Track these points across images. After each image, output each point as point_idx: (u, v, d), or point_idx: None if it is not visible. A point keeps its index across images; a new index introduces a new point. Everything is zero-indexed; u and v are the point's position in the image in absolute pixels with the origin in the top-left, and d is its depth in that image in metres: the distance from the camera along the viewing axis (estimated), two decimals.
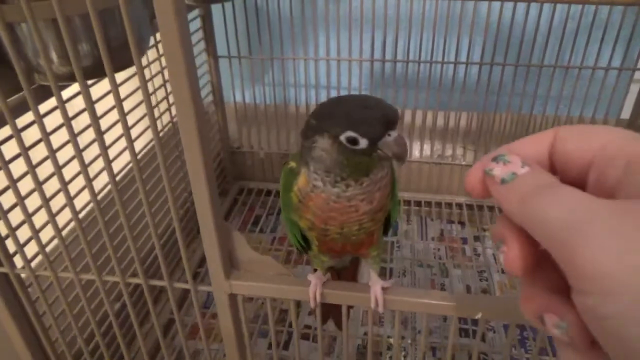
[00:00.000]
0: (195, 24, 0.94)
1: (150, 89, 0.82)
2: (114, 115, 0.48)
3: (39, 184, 0.43)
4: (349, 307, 0.59)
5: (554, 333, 0.19)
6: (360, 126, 0.34)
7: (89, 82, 0.62)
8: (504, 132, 1.04)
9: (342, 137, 0.35)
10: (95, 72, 0.46)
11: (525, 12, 0.88)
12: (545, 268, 0.20)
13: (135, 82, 0.68)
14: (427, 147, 1.08)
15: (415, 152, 1.08)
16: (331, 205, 0.38)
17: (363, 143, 0.35)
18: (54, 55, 0.43)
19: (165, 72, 0.75)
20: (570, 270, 0.16)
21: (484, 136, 1.05)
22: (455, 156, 1.07)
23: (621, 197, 0.18)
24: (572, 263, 0.16)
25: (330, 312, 0.58)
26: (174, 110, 0.85)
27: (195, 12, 0.93)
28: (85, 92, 0.37)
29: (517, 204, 0.18)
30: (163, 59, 0.80)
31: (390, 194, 0.41)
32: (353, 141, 0.35)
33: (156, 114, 0.85)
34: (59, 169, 0.42)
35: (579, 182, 0.20)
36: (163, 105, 0.85)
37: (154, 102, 0.84)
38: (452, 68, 0.96)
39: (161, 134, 0.86)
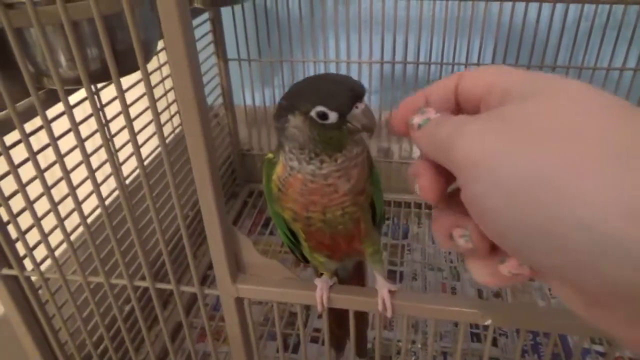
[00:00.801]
0: (205, 27, 0.94)
1: (162, 91, 0.82)
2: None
3: (47, 189, 0.43)
4: (361, 313, 0.58)
5: (461, 244, 0.22)
6: (328, 100, 0.35)
7: (99, 85, 0.63)
8: None
9: (313, 113, 0.36)
10: (104, 75, 0.46)
11: (537, 12, 0.86)
12: (454, 198, 0.23)
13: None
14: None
15: None
16: (309, 187, 0.39)
17: (332, 117, 0.36)
18: (62, 59, 0.43)
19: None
20: (453, 169, 0.20)
21: None
22: None
23: None
24: (453, 161, 0.20)
25: (346, 336, 0.57)
26: None
27: (205, 16, 0.93)
28: (91, 96, 0.37)
29: (426, 139, 0.22)
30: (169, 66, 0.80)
31: (370, 178, 0.41)
32: (323, 116, 0.36)
33: (167, 116, 0.85)
34: (67, 173, 0.42)
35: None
36: (175, 107, 0.86)
37: (165, 104, 0.84)
38: (463, 69, 0.95)
39: (172, 136, 0.87)
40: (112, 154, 0.40)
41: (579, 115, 0.18)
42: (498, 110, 0.20)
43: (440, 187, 0.23)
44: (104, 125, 0.38)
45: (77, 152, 0.44)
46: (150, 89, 0.36)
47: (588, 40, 0.90)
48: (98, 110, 0.38)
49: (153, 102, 0.36)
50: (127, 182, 0.67)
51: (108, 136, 0.62)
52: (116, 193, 0.63)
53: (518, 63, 0.92)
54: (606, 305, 0.18)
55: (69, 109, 0.38)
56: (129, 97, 0.62)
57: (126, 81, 0.53)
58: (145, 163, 0.76)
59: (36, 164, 0.41)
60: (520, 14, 0.89)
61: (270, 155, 0.42)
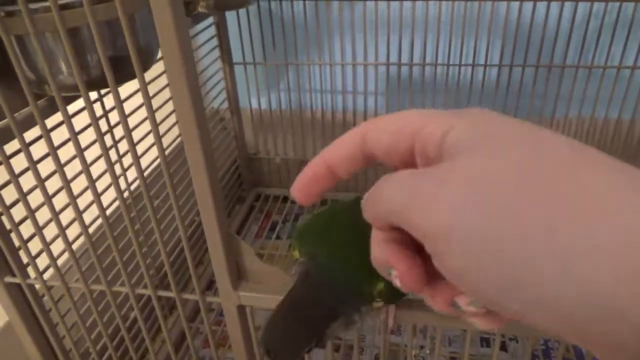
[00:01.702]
0: (210, 32, 0.94)
1: (167, 96, 0.82)
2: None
3: (48, 198, 0.43)
4: None
5: (470, 310, 0.20)
6: None
7: (103, 91, 0.63)
8: None
9: None
10: (106, 81, 0.46)
11: (545, 10, 0.85)
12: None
13: (151, 90, 0.68)
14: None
15: None
16: None
17: None
18: (63, 66, 0.43)
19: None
20: (420, 239, 0.18)
21: None
22: None
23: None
24: (416, 231, 0.18)
25: None
26: None
27: (210, 20, 0.93)
28: (89, 104, 0.37)
29: (370, 208, 0.21)
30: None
31: None
32: None
33: (173, 121, 0.85)
34: (67, 183, 0.42)
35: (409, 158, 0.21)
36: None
37: (171, 108, 0.84)
38: (470, 71, 0.94)
39: (178, 140, 0.86)
40: (112, 163, 0.39)
41: (539, 168, 0.17)
42: (450, 167, 0.18)
43: (421, 268, 0.20)
44: (102, 135, 0.38)
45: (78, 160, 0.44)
46: (148, 98, 0.35)
47: (598, 39, 0.88)
48: (96, 119, 0.37)
49: (151, 111, 0.36)
50: (132, 187, 0.67)
51: (111, 143, 0.62)
52: (117, 203, 0.63)
53: (526, 63, 0.91)
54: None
55: (67, 118, 0.38)
56: (137, 100, 0.62)
57: (131, 86, 0.53)
58: (151, 168, 0.77)
59: (37, 174, 0.41)
60: (528, 13, 0.87)
61: None
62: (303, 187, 0.23)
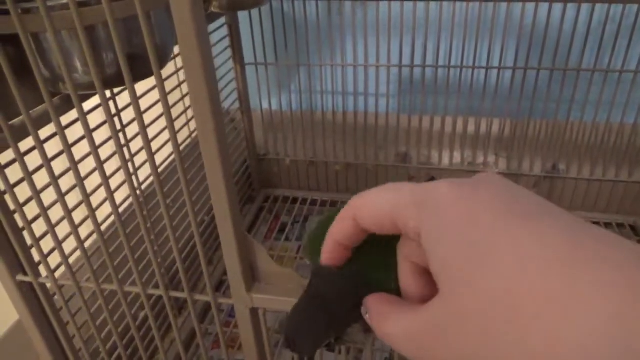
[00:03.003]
0: (223, 32, 0.94)
1: (179, 95, 0.82)
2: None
3: (61, 195, 0.42)
4: None
5: None
6: None
7: (116, 90, 0.62)
8: (539, 139, 0.99)
9: None
10: (120, 80, 0.45)
11: (561, 13, 0.84)
12: None
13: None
14: (457, 155, 1.05)
15: (445, 160, 1.05)
16: None
17: None
18: (78, 64, 0.43)
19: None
20: None
21: (517, 143, 1.01)
22: (487, 164, 1.03)
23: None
24: None
25: None
26: None
27: (222, 20, 0.93)
28: (105, 102, 0.36)
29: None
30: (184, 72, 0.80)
31: None
32: None
33: (184, 120, 0.85)
34: (81, 180, 0.41)
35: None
36: (191, 112, 0.85)
37: (182, 108, 0.84)
38: (483, 73, 0.93)
39: (189, 140, 0.86)
40: (126, 160, 0.39)
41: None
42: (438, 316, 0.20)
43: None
44: (117, 132, 0.37)
45: (92, 157, 0.44)
46: (164, 95, 0.35)
47: (615, 43, 0.87)
48: (112, 116, 0.37)
49: (167, 109, 0.36)
50: (143, 187, 0.66)
51: (123, 142, 0.62)
52: (131, 199, 0.63)
53: (541, 66, 0.89)
54: None
55: (83, 116, 0.38)
56: (148, 100, 0.62)
57: (144, 85, 0.52)
58: (162, 167, 0.77)
59: (50, 171, 0.41)
60: (544, 15, 0.86)
61: None
62: (331, 260, 0.25)
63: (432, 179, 1.07)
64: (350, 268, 0.25)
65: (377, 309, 0.23)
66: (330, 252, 0.25)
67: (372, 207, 0.23)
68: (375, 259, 0.25)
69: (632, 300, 0.15)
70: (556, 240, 0.17)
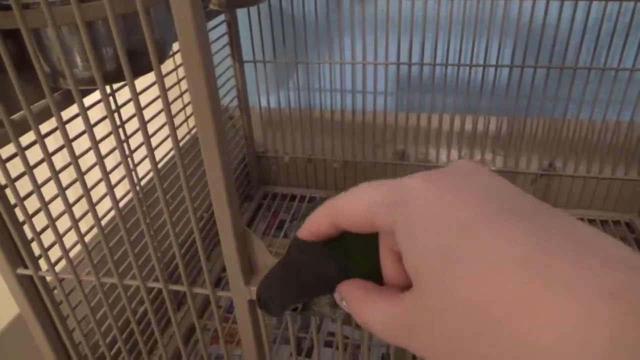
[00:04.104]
0: (221, 29, 0.95)
1: (177, 93, 0.82)
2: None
3: (62, 190, 0.43)
4: None
5: None
6: None
7: (115, 86, 0.63)
8: (535, 136, 1.00)
9: None
10: (121, 75, 0.46)
11: (558, 11, 0.85)
12: None
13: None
14: (454, 152, 1.06)
15: (443, 157, 1.06)
16: None
17: None
18: (77, 60, 0.44)
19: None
20: None
21: (514, 141, 1.02)
22: (484, 161, 1.04)
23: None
24: None
25: None
26: None
27: (221, 18, 0.94)
28: (106, 97, 0.37)
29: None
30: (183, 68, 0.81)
31: None
32: None
33: (183, 117, 0.85)
34: (81, 175, 0.42)
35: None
36: (190, 109, 0.86)
37: (181, 105, 0.84)
38: (481, 71, 0.94)
39: (188, 137, 0.87)
40: (126, 155, 0.39)
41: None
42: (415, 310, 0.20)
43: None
44: (117, 128, 0.38)
45: (91, 153, 0.44)
46: (164, 90, 0.35)
47: (611, 41, 0.87)
48: (112, 111, 0.37)
49: (167, 104, 0.36)
50: (143, 182, 0.67)
51: (123, 137, 0.62)
52: (131, 194, 0.63)
53: (538, 64, 0.90)
54: None
55: (84, 111, 0.38)
56: (145, 98, 0.63)
57: (141, 82, 0.53)
58: (162, 164, 0.77)
59: (51, 165, 0.41)
60: (541, 14, 0.87)
61: None
62: (309, 236, 0.26)
63: None
64: (329, 246, 0.26)
65: (351, 293, 0.24)
66: (309, 233, 0.26)
67: (349, 210, 0.23)
68: (357, 244, 0.25)
69: (601, 305, 0.14)
70: (527, 242, 0.16)
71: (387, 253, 0.23)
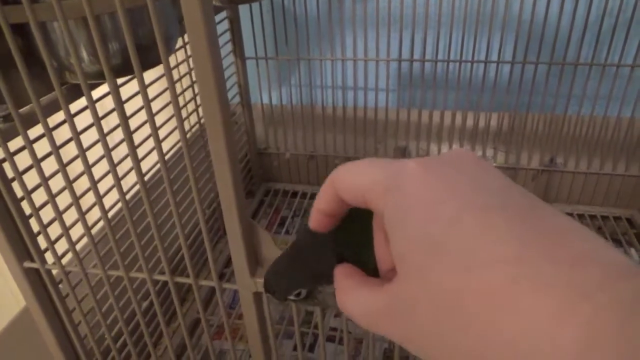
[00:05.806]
0: (223, 26, 0.95)
1: (179, 89, 0.83)
2: (145, 114, 0.48)
3: (69, 182, 0.43)
4: None
5: None
6: None
7: (120, 80, 0.63)
8: (537, 133, 1.01)
9: None
10: (125, 70, 0.46)
11: (559, 7, 0.85)
12: None
13: (164, 82, 0.69)
14: (456, 148, 1.06)
15: None
16: None
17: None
18: (84, 54, 0.44)
19: (194, 73, 0.75)
20: None
21: (515, 137, 1.02)
22: (486, 157, 1.05)
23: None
24: None
25: None
26: (201, 110, 0.86)
27: (223, 14, 0.94)
28: (115, 90, 0.37)
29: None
30: (192, 60, 0.81)
31: None
32: None
33: (184, 113, 0.86)
34: (89, 168, 0.42)
35: None
36: (192, 105, 0.86)
37: (182, 102, 0.85)
38: (482, 67, 0.94)
39: (190, 134, 0.87)
40: (134, 149, 0.40)
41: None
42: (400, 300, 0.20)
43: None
44: (126, 120, 0.38)
45: (99, 145, 0.45)
46: (172, 82, 0.36)
47: (612, 37, 0.88)
48: (121, 103, 0.38)
49: (174, 96, 0.36)
50: (148, 176, 0.67)
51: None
52: (137, 187, 0.64)
53: (539, 60, 0.90)
54: None
55: (92, 104, 0.38)
56: (149, 93, 0.63)
57: (146, 77, 0.53)
58: (166, 158, 0.77)
59: (59, 158, 0.42)
60: (542, 10, 0.87)
61: None
62: (316, 227, 0.26)
63: None
64: (334, 234, 0.26)
65: (339, 282, 0.24)
66: (314, 221, 0.26)
67: (350, 181, 0.23)
68: (361, 236, 0.26)
69: (570, 301, 0.15)
70: (508, 237, 0.17)
71: (381, 235, 0.24)
